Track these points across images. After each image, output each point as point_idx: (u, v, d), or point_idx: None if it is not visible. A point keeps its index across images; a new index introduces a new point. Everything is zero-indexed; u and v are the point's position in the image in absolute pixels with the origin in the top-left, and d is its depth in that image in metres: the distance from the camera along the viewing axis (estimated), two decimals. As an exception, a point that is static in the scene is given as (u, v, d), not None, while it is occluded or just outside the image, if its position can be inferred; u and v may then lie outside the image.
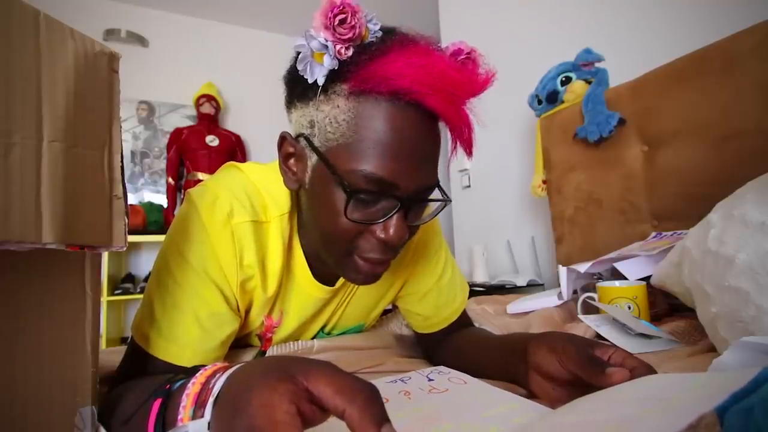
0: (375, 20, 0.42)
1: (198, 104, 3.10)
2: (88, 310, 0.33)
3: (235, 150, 3.20)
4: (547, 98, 1.48)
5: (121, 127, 0.33)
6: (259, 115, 3.35)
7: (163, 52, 3.23)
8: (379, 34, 0.42)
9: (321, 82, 0.42)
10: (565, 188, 1.41)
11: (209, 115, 3.11)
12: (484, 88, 0.44)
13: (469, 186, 2.33)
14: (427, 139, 0.43)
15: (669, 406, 0.25)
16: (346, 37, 0.40)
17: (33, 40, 0.27)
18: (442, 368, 0.53)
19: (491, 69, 0.46)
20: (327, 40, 0.40)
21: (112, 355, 0.56)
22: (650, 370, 0.37)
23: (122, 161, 0.32)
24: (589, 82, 1.35)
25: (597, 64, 1.38)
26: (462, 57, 0.46)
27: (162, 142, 3.15)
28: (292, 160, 0.49)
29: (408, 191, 0.43)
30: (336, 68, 0.41)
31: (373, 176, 0.41)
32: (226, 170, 0.56)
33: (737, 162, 0.95)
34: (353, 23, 0.39)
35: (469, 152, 0.46)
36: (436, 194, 0.48)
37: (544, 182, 1.52)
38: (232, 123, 3.37)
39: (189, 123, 3.19)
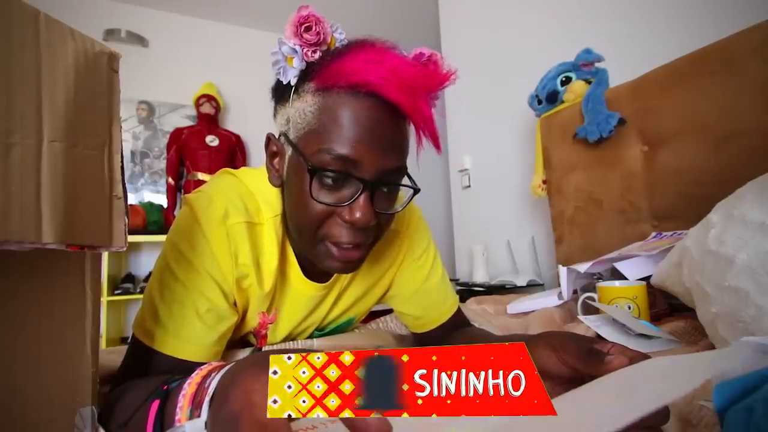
0: (340, 30, 0.48)
1: (198, 104, 3.10)
2: (88, 310, 0.33)
3: (235, 150, 3.20)
4: (547, 98, 1.48)
5: (121, 127, 0.33)
6: (259, 115, 3.35)
7: (163, 52, 3.22)
8: (345, 41, 0.48)
9: (293, 82, 0.48)
10: (565, 188, 1.41)
11: (209, 115, 3.10)
12: (443, 83, 0.47)
13: (469, 186, 2.33)
14: (388, 125, 0.45)
15: (668, 376, 0.25)
16: (312, 41, 0.46)
17: (33, 40, 0.27)
18: None
19: (452, 69, 0.49)
20: (295, 45, 0.46)
21: (112, 355, 0.57)
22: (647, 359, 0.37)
23: (122, 161, 0.32)
24: (589, 82, 1.35)
25: (597, 64, 1.38)
26: (423, 60, 0.50)
27: (162, 142, 3.14)
28: (276, 159, 0.52)
29: (371, 173, 0.45)
30: (305, 69, 0.47)
31: (336, 153, 0.44)
32: (220, 176, 0.59)
33: (737, 162, 0.95)
34: (317, 30, 0.46)
35: (436, 146, 0.48)
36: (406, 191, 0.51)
37: (544, 182, 1.52)
38: (232, 123, 3.37)
39: (189, 123, 3.19)
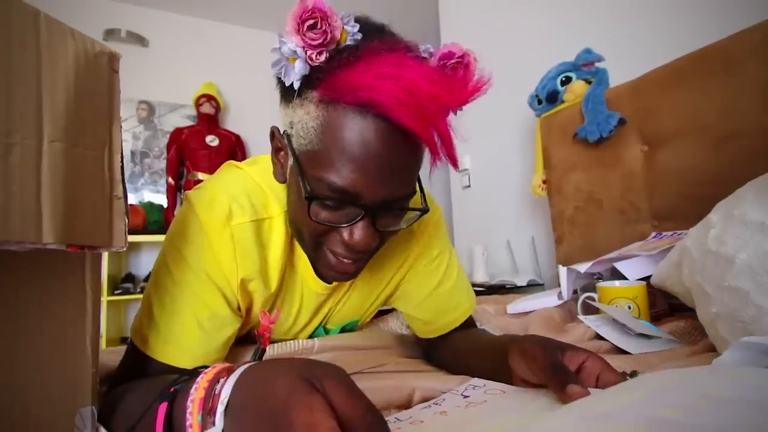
0: (352, 23, 0.41)
1: (198, 104, 3.10)
2: (88, 310, 0.33)
3: (235, 150, 3.20)
4: (547, 98, 1.48)
5: (121, 127, 0.33)
6: (259, 115, 3.34)
7: (163, 52, 3.22)
8: (359, 36, 0.41)
9: (296, 86, 0.42)
10: (565, 188, 1.41)
11: (209, 115, 3.10)
12: (467, 99, 0.41)
13: (469, 186, 2.33)
14: (399, 150, 0.41)
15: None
16: (317, 42, 0.38)
17: (33, 40, 0.27)
18: (475, 381, 0.49)
19: (485, 75, 0.43)
20: (297, 46, 0.39)
21: (112, 355, 0.56)
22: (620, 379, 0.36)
23: (122, 161, 0.32)
24: (589, 82, 1.35)
25: (597, 64, 1.38)
26: (452, 62, 0.44)
27: (162, 142, 3.14)
28: (281, 153, 0.49)
29: (373, 201, 0.42)
30: (308, 73, 0.41)
31: (336, 186, 0.40)
32: (224, 170, 0.56)
33: (737, 162, 0.95)
34: (324, 28, 0.38)
35: (453, 164, 0.43)
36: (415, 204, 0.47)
37: (544, 182, 1.51)
38: (232, 123, 3.37)
39: (189, 123, 3.19)
